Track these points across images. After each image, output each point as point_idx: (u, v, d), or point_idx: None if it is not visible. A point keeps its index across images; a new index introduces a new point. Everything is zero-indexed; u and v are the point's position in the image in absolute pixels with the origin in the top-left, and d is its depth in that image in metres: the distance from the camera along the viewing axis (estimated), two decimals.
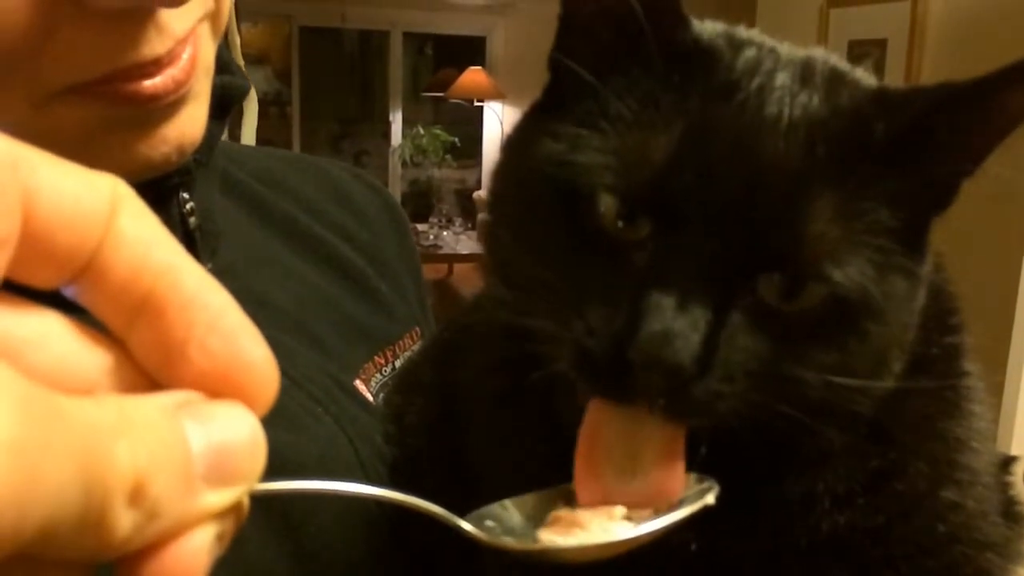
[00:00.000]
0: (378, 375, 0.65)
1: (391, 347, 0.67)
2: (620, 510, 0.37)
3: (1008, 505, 0.48)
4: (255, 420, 0.23)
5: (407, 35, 5.98)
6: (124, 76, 0.42)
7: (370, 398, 0.62)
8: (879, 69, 2.63)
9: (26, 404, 0.17)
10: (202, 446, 0.21)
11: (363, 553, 0.54)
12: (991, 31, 2.34)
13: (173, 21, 0.43)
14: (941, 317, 0.46)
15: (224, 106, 0.55)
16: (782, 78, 0.39)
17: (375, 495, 0.31)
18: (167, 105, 0.44)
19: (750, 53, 0.40)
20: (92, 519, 0.19)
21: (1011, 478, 0.50)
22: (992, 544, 0.45)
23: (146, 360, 0.23)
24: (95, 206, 0.22)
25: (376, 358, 0.65)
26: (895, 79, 2.57)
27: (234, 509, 0.23)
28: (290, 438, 0.51)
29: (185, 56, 0.44)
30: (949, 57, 2.45)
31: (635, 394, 0.37)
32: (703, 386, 0.36)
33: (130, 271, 0.22)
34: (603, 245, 0.38)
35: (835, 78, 0.41)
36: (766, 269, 0.37)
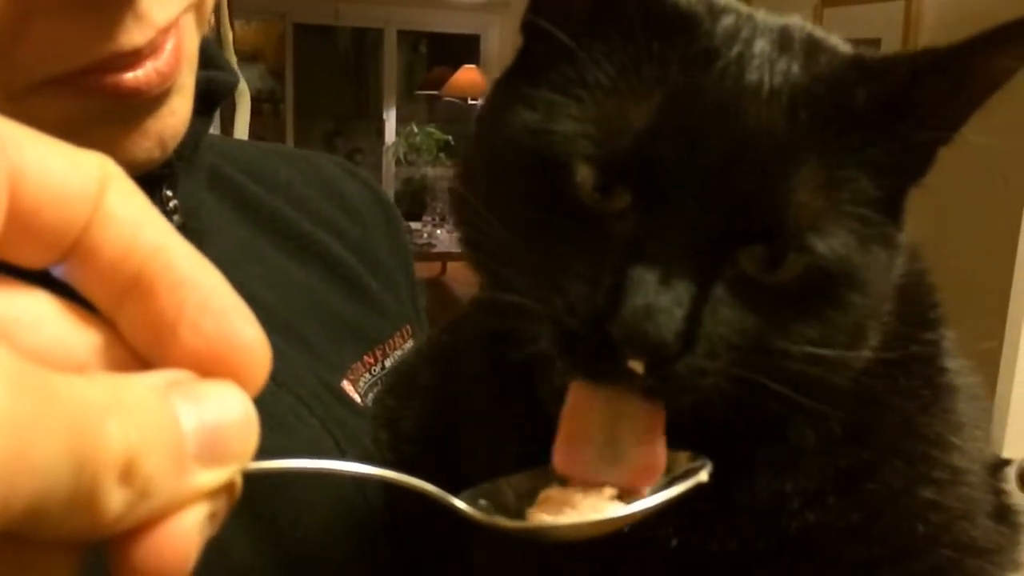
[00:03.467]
0: (367, 374, 0.64)
1: (381, 346, 0.66)
2: (610, 489, 0.37)
3: (1001, 509, 0.47)
4: (247, 399, 0.23)
5: (401, 33, 5.97)
6: (104, 68, 0.40)
7: (357, 399, 0.61)
8: None
9: (17, 379, 0.17)
10: (194, 424, 0.21)
11: (351, 560, 0.53)
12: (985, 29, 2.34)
13: (153, 10, 0.41)
14: (920, 311, 0.45)
15: (210, 101, 0.54)
16: (761, 45, 0.38)
17: (368, 474, 0.31)
18: (151, 99, 0.43)
19: (729, 20, 0.39)
20: (83, 497, 0.18)
21: (1002, 482, 0.49)
22: (980, 548, 0.44)
23: (136, 340, 0.23)
24: (83, 184, 0.21)
25: (365, 357, 0.64)
26: None
27: (227, 488, 0.22)
28: (275, 441, 0.50)
29: (168, 47, 0.43)
30: None
31: (617, 373, 0.36)
32: (686, 363, 0.36)
33: (119, 250, 0.22)
34: (581, 217, 0.37)
35: (813, 45, 0.40)
36: (750, 240, 0.36)
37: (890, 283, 0.41)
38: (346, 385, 0.61)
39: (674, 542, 0.42)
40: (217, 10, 1.92)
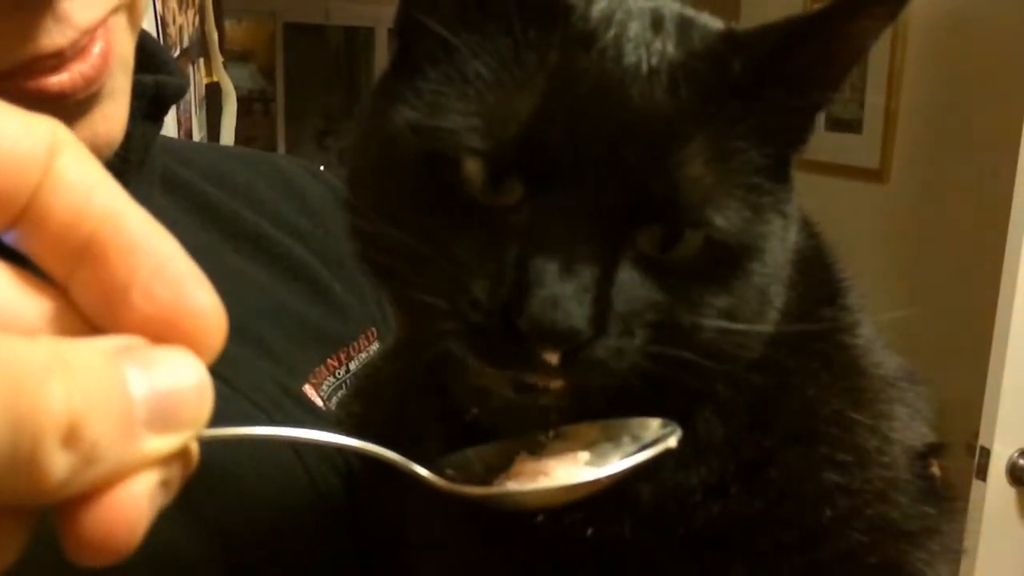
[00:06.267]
0: (331, 378, 0.63)
1: (345, 348, 0.66)
2: (584, 456, 0.37)
3: (933, 492, 0.47)
4: (201, 365, 0.22)
5: (392, 31, 5.96)
6: (26, 72, 0.40)
7: (320, 403, 0.61)
8: (862, 64, 2.63)
9: None
10: (144, 390, 0.21)
11: (303, 554, 0.53)
12: (973, 26, 2.35)
13: (75, 11, 0.40)
14: (817, 286, 0.46)
15: (160, 105, 0.54)
16: (635, 27, 0.39)
17: (326, 441, 0.31)
18: (77, 103, 0.42)
19: (603, 3, 0.40)
20: (22, 459, 0.18)
21: (932, 467, 0.48)
22: (902, 531, 0.44)
23: (89, 307, 0.23)
24: (33, 148, 0.21)
25: (329, 360, 0.64)
26: (878, 76, 2.57)
27: (181, 456, 0.22)
28: (228, 448, 0.49)
29: (96, 50, 0.42)
30: (932, 52, 2.46)
31: (532, 366, 0.36)
32: (603, 344, 0.36)
33: (70, 215, 0.22)
34: (476, 212, 0.37)
35: (685, 23, 0.41)
36: (646, 219, 0.37)
37: (787, 250, 0.42)
38: (308, 389, 0.61)
39: (590, 531, 0.42)
40: (202, 11, 1.90)
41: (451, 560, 0.49)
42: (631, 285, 0.37)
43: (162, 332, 0.22)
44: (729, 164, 0.38)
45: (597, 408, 0.39)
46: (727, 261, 0.38)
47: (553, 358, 0.35)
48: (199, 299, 0.23)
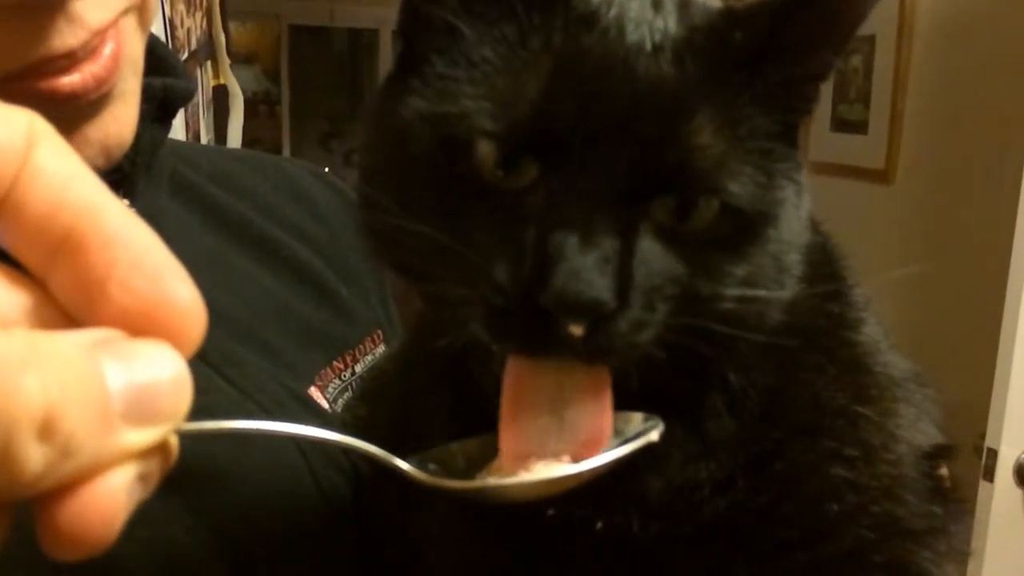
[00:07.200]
0: (336, 380, 0.63)
1: (351, 351, 0.66)
2: None
3: (940, 492, 0.47)
4: (179, 358, 0.22)
5: (396, 34, 5.96)
6: (37, 72, 0.40)
7: (326, 405, 0.61)
8: (868, 65, 2.63)
9: None
10: (121, 383, 0.21)
11: (305, 554, 0.53)
12: (979, 26, 2.34)
13: (87, 12, 0.41)
14: (822, 280, 0.46)
15: (168, 109, 0.54)
16: (635, 7, 0.40)
17: (304, 435, 0.31)
18: (88, 104, 0.42)
19: None
20: None
21: (939, 468, 0.48)
22: (908, 530, 0.44)
23: (67, 300, 0.23)
24: (10, 140, 0.21)
25: (334, 363, 0.64)
26: (884, 75, 2.57)
27: (159, 449, 0.22)
28: (234, 451, 0.50)
29: (107, 51, 0.42)
30: (938, 53, 2.46)
31: (556, 342, 0.35)
32: (626, 317, 0.36)
33: (48, 208, 0.22)
34: (492, 197, 0.37)
35: (683, 2, 0.41)
36: (660, 190, 0.37)
37: (801, 217, 0.42)
38: (313, 392, 0.60)
39: (599, 524, 0.42)
40: (209, 13, 1.91)
41: (452, 559, 0.50)
42: (651, 256, 0.37)
43: (140, 325, 0.22)
44: (738, 132, 0.38)
45: (620, 387, 0.39)
46: (743, 228, 0.38)
47: (578, 330, 0.35)
48: (178, 292, 0.22)
